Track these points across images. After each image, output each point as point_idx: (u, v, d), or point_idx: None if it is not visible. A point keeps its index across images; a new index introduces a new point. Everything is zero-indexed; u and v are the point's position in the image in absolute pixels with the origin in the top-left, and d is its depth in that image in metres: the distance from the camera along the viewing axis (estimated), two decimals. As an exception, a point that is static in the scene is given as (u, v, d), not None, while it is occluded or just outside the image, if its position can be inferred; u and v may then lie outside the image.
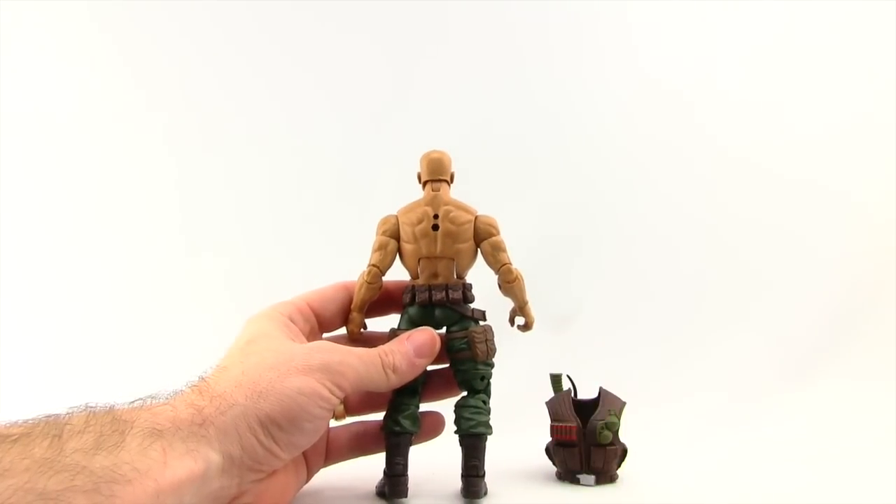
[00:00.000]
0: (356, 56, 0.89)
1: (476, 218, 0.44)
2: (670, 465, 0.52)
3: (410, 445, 0.43)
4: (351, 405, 0.46)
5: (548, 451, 0.50)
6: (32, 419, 0.29)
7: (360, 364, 0.38)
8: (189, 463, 0.30)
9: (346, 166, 0.86)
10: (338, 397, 0.37)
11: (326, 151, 0.88)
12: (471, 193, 0.46)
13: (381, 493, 0.44)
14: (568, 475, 0.47)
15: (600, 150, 0.89)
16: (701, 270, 0.85)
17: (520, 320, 0.46)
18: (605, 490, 0.45)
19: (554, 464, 0.49)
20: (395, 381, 0.40)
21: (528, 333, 0.46)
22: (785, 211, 0.87)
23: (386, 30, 0.90)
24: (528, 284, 0.44)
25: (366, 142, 0.86)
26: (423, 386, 0.44)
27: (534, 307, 0.45)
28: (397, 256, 0.45)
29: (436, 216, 0.43)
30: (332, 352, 0.38)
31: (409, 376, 0.41)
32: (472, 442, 0.43)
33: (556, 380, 0.51)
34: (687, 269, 0.85)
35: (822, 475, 0.48)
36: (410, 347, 0.41)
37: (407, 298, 0.44)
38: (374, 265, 0.44)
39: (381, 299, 0.45)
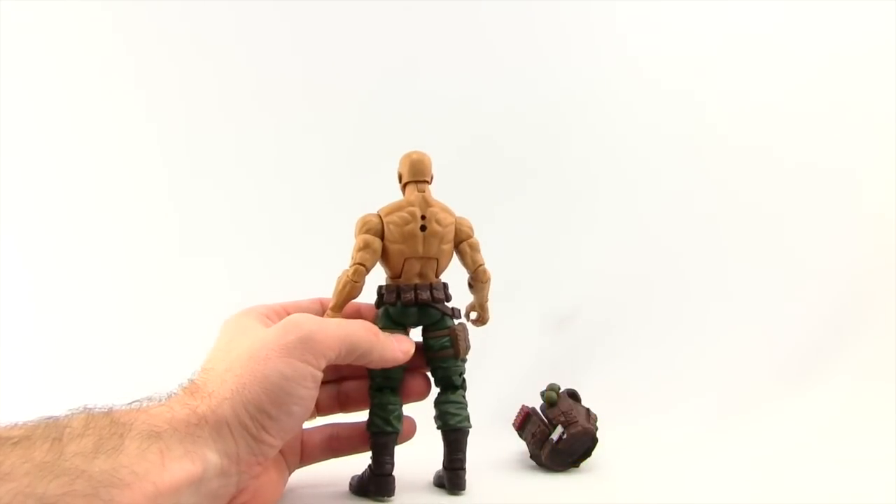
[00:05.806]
0: (347, 65, 0.86)
1: (456, 220, 0.45)
2: (665, 467, 0.52)
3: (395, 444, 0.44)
4: (321, 405, 0.45)
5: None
6: (32, 421, 0.28)
7: (339, 327, 0.38)
8: (187, 465, 0.30)
9: (347, 174, 0.84)
10: (321, 368, 0.36)
11: (327, 157, 0.85)
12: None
13: (357, 490, 0.44)
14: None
15: (589, 146, 0.86)
16: (695, 270, 0.81)
17: (473, 315, 0.48)
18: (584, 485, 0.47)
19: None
20: (382, 342, 0.40)
21: (530, 335, 0.47)
22: (780, 208, 0.84)
23: (378, 36, 0.87)
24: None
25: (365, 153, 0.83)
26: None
27: (531, 307, 0.46)
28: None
29: (423, 217, 0.43)
30: (306, 322, 0.37)
31: (390, 346, 0.41)
32: (457, 436, 0.44)
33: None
34: (679, 267, 0.81)
35: (820, 478, 0.49)
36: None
37: (391, 297, 0.44)
38: (359, 264, 0.43)
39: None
